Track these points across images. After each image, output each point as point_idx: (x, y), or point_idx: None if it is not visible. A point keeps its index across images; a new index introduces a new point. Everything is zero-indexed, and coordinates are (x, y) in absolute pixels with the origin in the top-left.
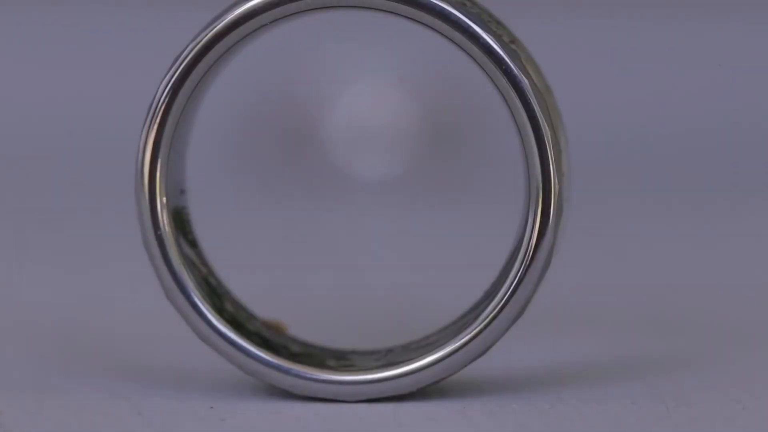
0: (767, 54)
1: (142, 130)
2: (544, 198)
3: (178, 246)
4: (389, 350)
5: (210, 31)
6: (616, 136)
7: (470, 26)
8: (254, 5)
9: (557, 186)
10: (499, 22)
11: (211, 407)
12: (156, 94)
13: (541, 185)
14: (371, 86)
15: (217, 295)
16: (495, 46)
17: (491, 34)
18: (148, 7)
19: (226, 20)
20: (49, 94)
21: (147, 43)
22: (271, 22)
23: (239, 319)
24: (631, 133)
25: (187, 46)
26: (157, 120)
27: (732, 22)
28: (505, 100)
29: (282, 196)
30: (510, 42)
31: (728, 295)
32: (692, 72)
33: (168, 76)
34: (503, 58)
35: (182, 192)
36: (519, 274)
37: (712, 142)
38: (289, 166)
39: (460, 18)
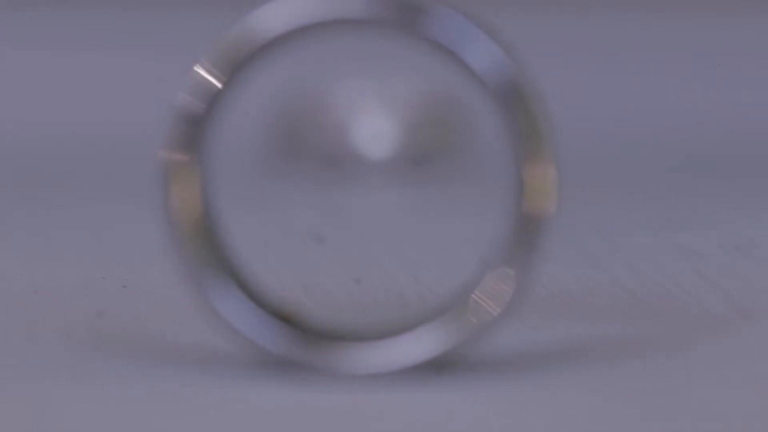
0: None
1: (171, 127)
2: (532, 188)
3: (203, 239)
4: (389, 325)
5: (261, 41)
6: (598, 130)
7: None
8: (302, 23)
9: (542, 178)
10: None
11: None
12: (192, 91)
13: (525, 178)
14: (374, 83)
15: (241, 279)
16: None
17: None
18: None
19: (275, 33)
20: (75, 90)
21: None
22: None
23: (264, 302)
24: (614, 127)
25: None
26: (191, 119)
27: (732, 22)
28: (490, 96)
29: (286, 188)
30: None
31: (714, 285)
32: (691, 72)
33: (208, 81)
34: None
35: (208, 185)
36: (512, 262)
37: (700, 139)
38: (294, 155)
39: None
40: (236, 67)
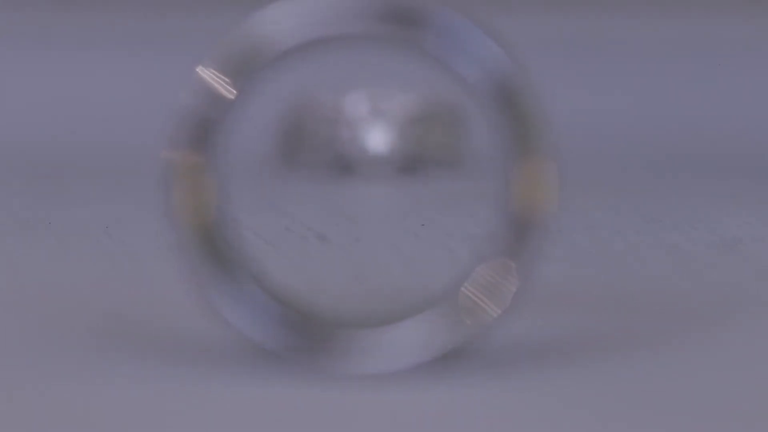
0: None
1: (181, 129)
2: (530, 187)
3: (211, 238)
4: (388, 314)
5: (278, 52)
6: (591, 131)
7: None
8: (325, 35)
9: (541, 178)
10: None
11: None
12: (202, 96)
13: (524, 178)
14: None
15: (255, 279)
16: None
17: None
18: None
19: (284, 47)
20: (92, 92)
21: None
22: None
23: (270, 293)
24: (607, 127)
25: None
26: (201, 122)
27: (732, 22)
28: (489, 97)
29: (290, 189)
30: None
31: (704, 282)
32: (691, 72)
33: (218, 89)
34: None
35: (217, 187)
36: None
37: (693, 139)
38: (297, 159)
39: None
40: (246, 77)
